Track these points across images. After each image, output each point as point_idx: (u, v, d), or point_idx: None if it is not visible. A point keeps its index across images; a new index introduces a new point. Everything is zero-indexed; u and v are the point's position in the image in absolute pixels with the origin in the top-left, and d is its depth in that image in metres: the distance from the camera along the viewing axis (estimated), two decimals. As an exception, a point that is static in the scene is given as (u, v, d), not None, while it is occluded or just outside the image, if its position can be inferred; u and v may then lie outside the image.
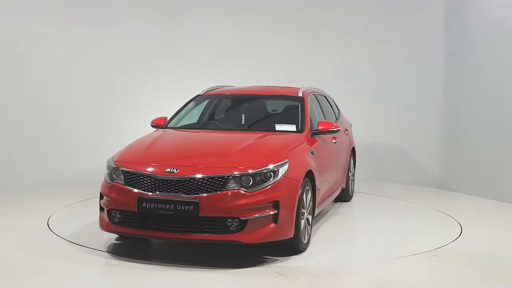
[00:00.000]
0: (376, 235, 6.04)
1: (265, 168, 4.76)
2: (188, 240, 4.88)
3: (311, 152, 5.57)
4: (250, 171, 4.69)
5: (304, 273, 4.73)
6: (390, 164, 9.71)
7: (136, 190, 4.75)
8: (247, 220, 4.60)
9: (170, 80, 9.69)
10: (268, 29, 9.84)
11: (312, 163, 5.41)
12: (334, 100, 7.84)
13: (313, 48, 9.84)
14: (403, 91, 9.56)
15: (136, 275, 4.51)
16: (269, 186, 4.71)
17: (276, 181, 4.76)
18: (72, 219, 6.30)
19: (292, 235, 4.87)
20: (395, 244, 5.63)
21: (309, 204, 5.30)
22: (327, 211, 7.00)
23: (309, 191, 5.28)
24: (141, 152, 5.19)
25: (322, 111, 6.74)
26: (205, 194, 4.59)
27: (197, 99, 6.63)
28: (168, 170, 4.72)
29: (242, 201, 4.59)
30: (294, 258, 4.99)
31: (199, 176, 4.65)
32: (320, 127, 5.88)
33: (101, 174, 5.27)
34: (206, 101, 6.64)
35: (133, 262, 4.78)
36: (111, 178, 4.99)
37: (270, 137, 5.58)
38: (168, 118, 6.32)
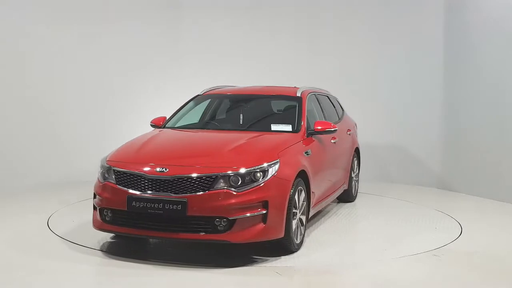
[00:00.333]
0: (376, 235, 6.04)
1: (254, 168, 4.76)
2: (177, 240, 4.94)
3: (305, 152, 5.54)
4: (238, 171, 4.69)
5: (304, 273, 4.72)
6: (390, 164, 9.71)
7: (126, 189, 4.79)
8: (235, 219, 4.61)
9: (170, 80, 9.69)
10: (268, 29, 9.84)
11: (305, 163, 5.39)
12: (338, 100, 7.84)
13: (313, 48, 9.84)
14: (403, 91, 9.56)
15: (135, 275, 4.51)
16: (258, 186, 4.71)
17: (266, 181, 4.76)
18: (72, 219, 6.30)
19: (282, 235, 4.86)
20: (395, 244, 5.63)
21: (303, 204, 5.28)
22: (327, 212, 7.00)
23: (303, 191, 5.26)
24: (133, 151, 5.23)
25: (323, 111, 6.72)
26: (193, 194, 4.61)
27: (196, 99, 6.66)
28: (158, 169, 4.75)
29: (230, 201, 4.60)
30: (294, 258, 4.99)
31: (187, 175, 4.67)
32: (316, 127, 5.87)
33: (101, 174, 5.27)
34: (205, 101, 6.66)
35: (133, 262, 4.77)
36: (104, 178, 5.05)
37: (263, 137, 5.57)
38: (167, 118, 6.35)
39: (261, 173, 4.77)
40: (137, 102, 9.48)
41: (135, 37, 9.52)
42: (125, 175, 4.87)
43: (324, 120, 6.49)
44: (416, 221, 6.69)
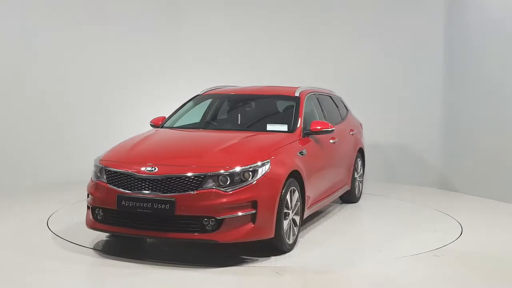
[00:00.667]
0: (376, 235, 6.03)
1: (243, 168, 4.75)
2: (166, 239, 5.00)
3: (300, 152, 5.52)
4: (227, 171, 4.69)
5: (304, 273, 4.72)
6: (391, 164, 9.71)
7: (116, 189, 4.82)
8: (223, 219, 4.61)
9: (170, 80, 9.68)
10: (268, 29, 9.84)
11: (299, 163, 5.36)
12: (343, 100, 7.82)
13: (313, 48, 9.84)
14: (403, 91, 9.56)
15: (133, 275, 4.51)
16: (248, 186, 4.71)
17: (256, 181, 4.75)
18: (72, 219, 6.29)
19: (272, 235, 4.85)
20: (395, 244, 5.62)
21: (296, 204, 5.26)
22: (328, 212, 6.99)
23: (296, 192, 5.24)
24: (125, 151, 5.26)
25: (323, 111, 6.68)
26: (181, 193, 4.62)
27: (196, 99, 6.66)
28: (147, 169, 4.77)
29: (218, 201, 4.60)
30: (293, 258, 4.99)
31: (176, 175, 4.68)
32: (312, 127, 5.85)
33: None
34: (205, 101, 6.67)
35: (130, 261, 4.77)
36: (96, 177, 5.10)
37: (257, 137, 5.56)
38: (166, 118, 6.37)
39: (250, 173, 4.76)
40: (138, 102, 9.48)
41: (135, 38, 9.51)
42: (115, 174, 4.90)
43: (323, 120, 6.46)
44: (416, 221, 6.69)
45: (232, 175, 4.70)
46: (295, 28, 9.87)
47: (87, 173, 8.44)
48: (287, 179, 5.03)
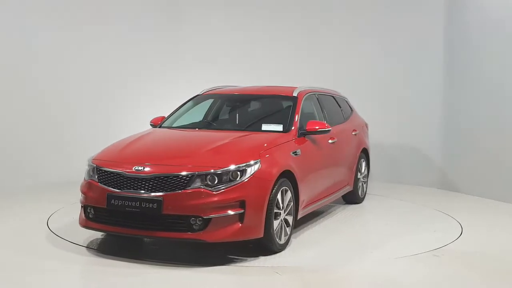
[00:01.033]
0: (376, 235, 6.04)
1: (231, 167, 4.76)
2: (154, 238, 5.05)
3: (293, 152, 5.49)
4: (215, 171, 4.70)
5: (303, 273, 4.71)
6: (390, 164, 9.70)
7: (106, 188, 4.87)
8: (210, 219, 4.62)
9: (171, 80, 9.68)
10: (268, 29, 9.84)
11: (292, 163, 5.34)
12: (347, 100, 7.79)
13: (313, 48, 9.84)
14: (403, 91, 9.55)
15: (132, 275, 4.51)
16: (236, 185, 4.71)
17: (244, 180, 4.76)
18: (72, 219, 6.29)
19: (261, 235, 4.85)
20: (395, 244, 5.61)
21: (288, 205, 5.23)
22: (329, 213, 6.98)
23: (288, 192, 5.22)
24: (117, 151, 5.29)
25: (323, 112, 6.66)
26: (168, 192, 4.64)
27: (196, 99, 6.67)
28: (136, 168, 4.80)
29: (205, 200, 4.61)
30: (293, 258, 4.99)
31: (164, 174, 4.71)
32: (308, 127, 5.83)
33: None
34: (205, 101, 6.68)
35: (129, 261, 4.78)
36: (89, 176, 5.14)
37: (249, 137, 5.55)
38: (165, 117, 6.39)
39: (239, 172, 4.77)
40: (138, 102, 9.48)
41: (135, 38, 9.51)
42: (106, 173, 4.95)
43: (323, 120, 6.44)
44: (416, 221, 6.69)
45: (220, 175, 4.71)
46: (295, 28, 9.88)
47: (87, 173, 8.54)
48: (278, 179, 5.01)
